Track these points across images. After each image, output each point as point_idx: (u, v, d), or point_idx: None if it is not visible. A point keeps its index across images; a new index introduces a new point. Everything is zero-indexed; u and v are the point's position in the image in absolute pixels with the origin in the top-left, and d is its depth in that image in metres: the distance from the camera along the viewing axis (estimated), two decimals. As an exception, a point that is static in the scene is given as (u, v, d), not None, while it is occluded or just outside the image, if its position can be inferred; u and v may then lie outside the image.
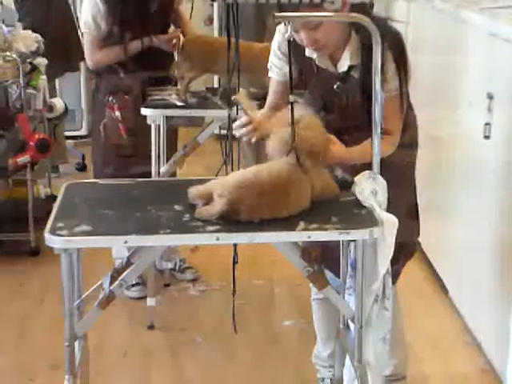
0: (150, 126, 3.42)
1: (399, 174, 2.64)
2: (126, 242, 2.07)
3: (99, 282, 2.35)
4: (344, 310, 2.34)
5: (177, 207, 2.25)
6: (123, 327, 3.56)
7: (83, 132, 6.19)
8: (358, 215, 2.22)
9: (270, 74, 2.71)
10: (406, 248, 2.71)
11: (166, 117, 3.49)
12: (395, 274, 2.72)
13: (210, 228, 2.11)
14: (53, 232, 2.06)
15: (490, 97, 3.06)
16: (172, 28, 3.73)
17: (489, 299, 3.14)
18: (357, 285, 2.26)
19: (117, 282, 2.25)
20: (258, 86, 3.60)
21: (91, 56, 3.61)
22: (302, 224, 2.13)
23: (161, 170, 3.51)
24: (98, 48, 3.56)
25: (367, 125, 2.34)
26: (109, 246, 2.16)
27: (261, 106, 3.38)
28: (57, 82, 5.34)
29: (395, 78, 2.42)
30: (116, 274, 2.32)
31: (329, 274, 2.52)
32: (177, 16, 3.74)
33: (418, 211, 2.79)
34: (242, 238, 2.14)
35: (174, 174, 3.73)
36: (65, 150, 5.00)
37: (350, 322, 2.38)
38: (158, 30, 3.58)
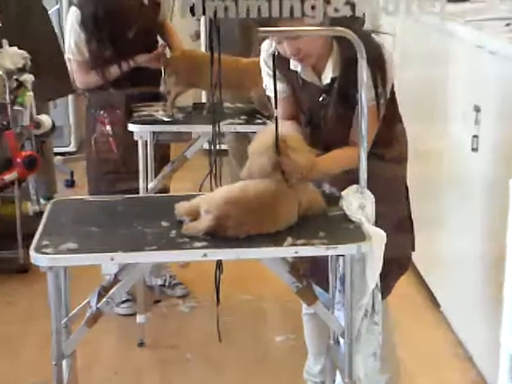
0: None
1: (388, 188, 2.62)
2: (112, 259, 2.05)
3: (87, 300, 2.33)
4: (333, 325, 2.33)
5: (164, 223, 2.24)
6: (113, 344, 3.53)
7: (72, 148, 6.17)
8: (345, 230, 2.21)
9: (268, 93, 2.69)
10: (399, 262, 2.69)
11: (154, 132, 3.49)
12: (387, 289, 2.71)
13: (197, 244, 2.10)
14: (38, 250, 2.05)
15: (477, 109, 3.07)
16: (161, 43, 3.74)
17: (480, 312, 3.13)
18: (345, 300, 2.25)
19: (104, 300, 2.23)
20: (244, 101, 3.61)
21: (78, 79, 3.64)
22: (289, 239, 2.12)
23: (149, 186, 3.50)
24: (84, 71, 3.57)
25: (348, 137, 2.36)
26: (95, 263, 2.14)
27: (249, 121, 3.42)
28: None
29: (371, 89, 2.41)
30: (103, 292, 2.30)
31: (318, 289, 2.51)
32: (164, 31, 3.74)
33: (412, 225, 2.77)
34: (229, 255, 2.12)
35: (167, 189, 3.72)
36: (52, 167, 4.97)
37: (339, 337, 2.37)
38: (144, 48, 3.57)
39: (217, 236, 2.13)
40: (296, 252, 2.11)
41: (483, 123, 3.04)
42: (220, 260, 2.42)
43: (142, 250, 2.06)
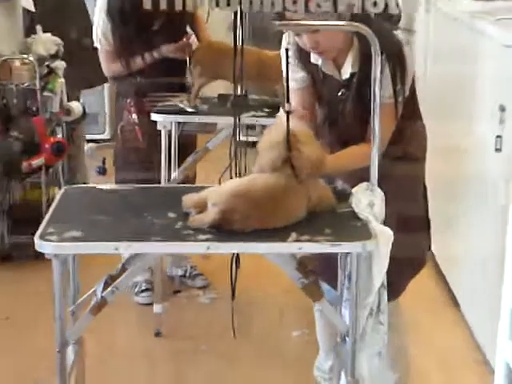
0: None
1: (405, 187, 2.60)
2: (116, 249, 2.06)
3: (94, 288, 2.34)
4: (338, 323, 2.31)
5: (171, 215, 2.23)
6: (130, 333, 3.55)
7: (106, 136, 6.22)
8: (352, 227, 2.19)
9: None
10: (413, 262, 2.67)
11: (178, 123, 3.49)
12: (399, 288, 2.69)
13: (201, 237, 2.09)
14: (42, 237, 2.06)
15: (503, 109, 3.01)
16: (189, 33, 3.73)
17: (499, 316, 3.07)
18: (351, 298, 2.23)
19: (109, 289, 2.24)
20: (269, 94, 3.59)
21: (106, 68, 3.67)
22: (293, 235, 2.10)
23: (172, 176, 3.51)
24: (111, 60, 3.60)
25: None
26: (98, 252, 2.14)
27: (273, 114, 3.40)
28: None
29: (389, 87, 2.38)
30: (110, 280, 2.31)
31: (326, 287, 2.49)
32: (193, 21, 3.73)
33: (428, 224, 2.74)
34: (232, 248, 2.12)
35: (190, 180, 3.71)
36: (83, 154, 5.00)
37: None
38: (172, 38, 3.57)
39: (222, 229, 2.12)
40: (300, 248, 2.09)
41: (508, 123, 2.99)
42: (237, 254, 2.42)
43: (146, 240, 2.06)
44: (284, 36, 2.58)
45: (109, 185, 2.56)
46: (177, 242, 2.08)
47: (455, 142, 3.69)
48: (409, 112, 2.55)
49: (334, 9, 2.19)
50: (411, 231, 2.58)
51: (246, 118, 3.19)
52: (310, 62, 2.51)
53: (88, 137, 5.77)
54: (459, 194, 3.57)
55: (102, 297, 2.23)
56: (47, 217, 2.21)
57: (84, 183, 4.74)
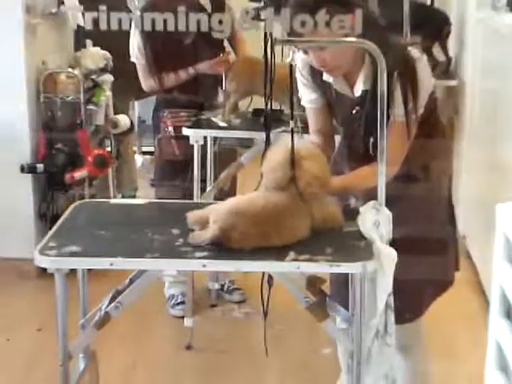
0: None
1: (424, 207, 2.54)
2: (111, 265, 2.06)
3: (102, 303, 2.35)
4: (343, 345, 2.26)
5: (174, 231, 2.23)
6: (162, 346, 3.56)
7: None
8: (354, 247, 2.14)
9: (302, 103, 2.65)
10: (435, 284, 2.60)
11: (215, 138, 3.50)
12: (419, 309, 2.63)
13: (199, 254, 2.07)
14: (42, 251, 2.08)
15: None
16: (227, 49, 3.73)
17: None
18: (354, 319, 2.19)
19: (113, 304, 2.24)
20: (303, 108, 3.55)
21: (144, 82, 3.70)
22: (291, 254, 2.07)
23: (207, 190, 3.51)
24: (148, 75, 3.61)
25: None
26: (94, 267, 2.15)
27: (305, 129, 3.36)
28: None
29: (401, 105, 2.32)
30: (117, 295, 2.32)
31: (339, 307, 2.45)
32: (233, 35, 3.73)
33: (455, 245, 2.66)
34: (228, 266, 2.10)
35: (231, 193, 3.70)
36: (132, 166, 5.05)
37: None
38: (207, 53, 3.57)
39: (221, 246, 2.10)
40: (297, 267, 2.06)
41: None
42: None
43: (141, 256, 2.06)
44: (297, 54, 2.55)
45: (122, 200, 2.57)
46: (173, 259, 2.07)
47: (504, 159, 3.58)
48: (428, 130, 2.48)
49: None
50: (434, 254, 2.52)
51: (277, 133, 3.17)
52: (322, 80, 2.47)
53: (144, 149, 5.86)
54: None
55: (105, 312, 2.24)
56: (52, 231, 2.23)
57: (133, 196, 4.80)
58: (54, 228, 2.26)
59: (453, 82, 4.69)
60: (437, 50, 4.69)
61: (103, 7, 2.02)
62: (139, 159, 5.60)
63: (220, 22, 2.25)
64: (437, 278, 2.62)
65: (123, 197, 4.64)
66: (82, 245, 2.11)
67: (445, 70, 4.79)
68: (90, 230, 2.24)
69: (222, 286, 3.95)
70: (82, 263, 2.09)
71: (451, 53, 4.80)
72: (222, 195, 3.57)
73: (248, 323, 3.73)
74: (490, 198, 3.64)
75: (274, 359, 3.35)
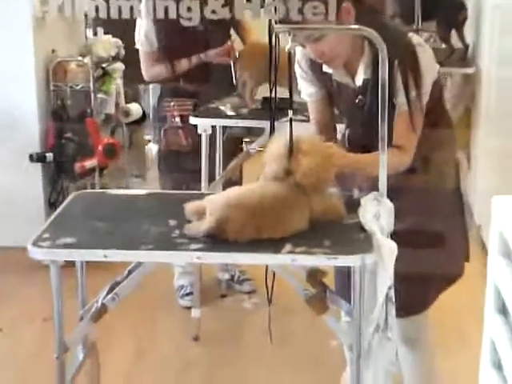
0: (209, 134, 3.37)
1: (431, 201, 2.48)
2: (105, 256, 2.02)
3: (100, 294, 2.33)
4: (343, 338, 2.22)
5: (171, 222, 2.19)
6: (169, 335, 3.55)
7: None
8: (353, 239, 2.09)
9: (301, 96, 2.61)
10: (441, 277, 2.55)
11: (224, 127, 3.46)
12: (426, 302, 2.59)
13: (194, 246, 2.03)
14: (35, 243, 2.05)
15: None
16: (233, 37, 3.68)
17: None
18: (354, 312, 2.14)
19: (109, 296, 2.22)
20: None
21: (145, 71, 3.63)
22: (287, 246, 2.02)
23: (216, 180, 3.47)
24: (151, 63, 3.57)
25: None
26: (87, 259, 2.12)
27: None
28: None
29: (403, 93, 2.27)
30: (115, 286, 2.29)
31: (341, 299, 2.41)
32: (238, 24, 3.68)
33: (465, 237, 2.60)
34: (223, 258, 2.07)
35: (238, 183, 3.67)
36: (143, 155, 5.02)
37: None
38: (214, 42, 3.52)
39: (217, 239, 2.06)
40: (293, 260, 2.01)
41: None
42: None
43: (135, 248, 2.02)
44: (297, 47, 2.50)
45: (121, 190, 2.54)
46: (168, 251, 2.04)
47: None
48: (434, 120, 2.43)
49: None
50: (441, 244, 2.47)
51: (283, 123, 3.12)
52: (322, 71, 2.42)
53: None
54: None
55: (102, 304, 2.21)
56: (48, 222, 2.20)
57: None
58: (50, 219, 2.23)
59: (470, 70, 4.61)
60: (453, 37, 4.61)
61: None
62: (154, 147, 5.56)
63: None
64: (443, 270, 2.57)
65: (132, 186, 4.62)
66: (76, 236, 2.08)
67: (462, 57, 4.72)
68: (87, 221, 2.20)
69: (233, 276, 3.91)
70: (75, 255, 2.05)
71: (468, 40, 4.72)
72: (230, 185, 3.53)
73: (256, 314, 3.69)
74: (506, 188, 3.57)
75: (282, 351, 3.33)
